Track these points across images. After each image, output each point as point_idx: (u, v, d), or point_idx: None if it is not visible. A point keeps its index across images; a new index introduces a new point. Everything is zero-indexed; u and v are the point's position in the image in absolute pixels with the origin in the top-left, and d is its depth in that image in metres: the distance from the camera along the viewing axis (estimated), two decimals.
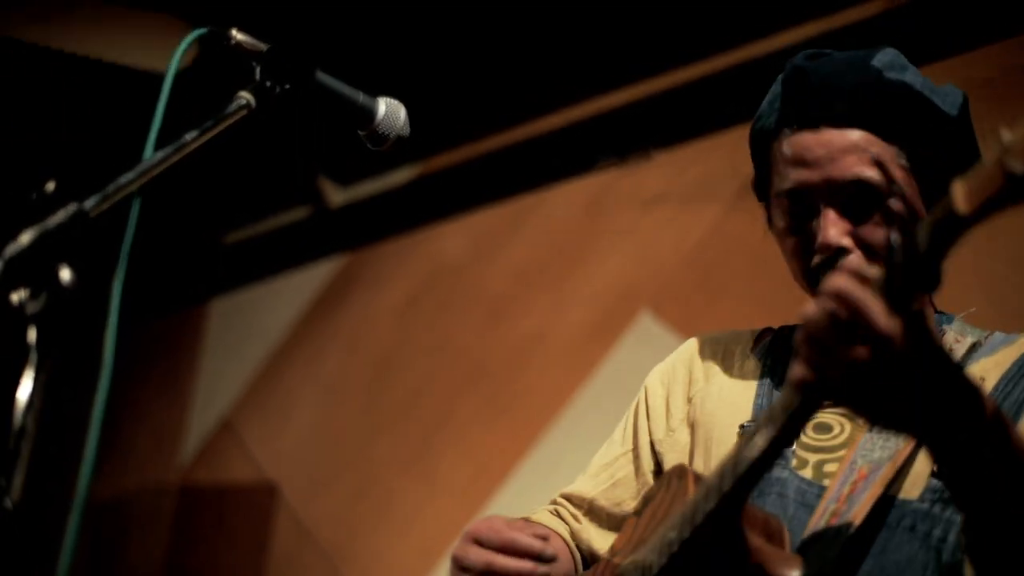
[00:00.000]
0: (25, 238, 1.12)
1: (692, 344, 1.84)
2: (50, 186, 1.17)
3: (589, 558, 1.77)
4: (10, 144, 4.07)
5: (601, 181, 3.57)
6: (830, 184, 1.57)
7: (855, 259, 1.11)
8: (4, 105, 3.99)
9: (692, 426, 1.72)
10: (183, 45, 1.43)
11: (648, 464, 1.77)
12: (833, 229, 1.56)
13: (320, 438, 4.09)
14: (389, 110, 1.56)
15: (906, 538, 1.43)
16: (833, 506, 1.45)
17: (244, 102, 1.41)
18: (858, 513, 1.42)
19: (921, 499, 1.45)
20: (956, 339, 1.60)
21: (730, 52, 3.30)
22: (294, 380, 4.27)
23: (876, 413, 1.21)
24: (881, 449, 1.48)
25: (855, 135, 1.57)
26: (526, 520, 1.70)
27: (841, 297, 1.14)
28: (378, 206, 4.26)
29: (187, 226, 4.65)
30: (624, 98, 3.56)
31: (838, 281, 1.14)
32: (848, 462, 1.50)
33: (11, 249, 1.11)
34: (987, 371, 1.53)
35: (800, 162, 1.59)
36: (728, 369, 1.75)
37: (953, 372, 1.20)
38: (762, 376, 1.69)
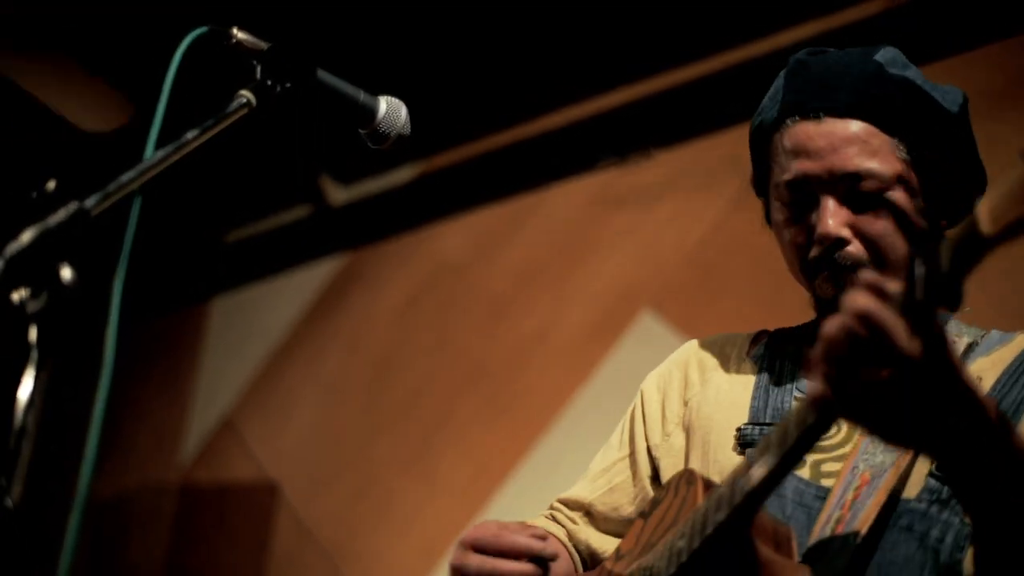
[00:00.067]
0: (26, 237, 1.12)
1: (687, 348, 1.84)
2: (51, 185, 1.17)
3: (588, 559, 1.77)
4: (10, 144, 4.07)
5: (602, 180, 3.57)
6: (831, 174, 1.57)
7: (872, 273, 1.10)
8: (4, 104, 3.99)
9: (688, 430, 1.72)
10: (184, 43, 1.43)
11: (645, 469, 1.76)
12: (832, 219, 1.57)
13: (321, 437, 4.09)
14: (390, 109, 1.56)
15: (903, 538, 1.43)
16: (837, 513, 1.45)
17: (245, 101, 1.41)
18: (864, 521, 1.41)
19: (919, 499, 1.45)
20: (953, 339, 1.60)
21: (730, 52, 3.30)
22: (295, 379, 4.27)
23: (891, 433, 1.20)
24: (883, 453, 1.47)
25: (856, 126, 1.58)
26: (521, 523, 1.69)
27: (862, 316, 1.12)
28: (379, 205, 4.26)
29: (188, 225, 4.64)
30: (624, 97, 3.55)
31: (859, 299, 1.13)
32: (849, 466, 1.49)
33: (12, 248, 1.11)
34: (984, 371, 1.53)
35: (801, 152, 1.59)
36: (724, 372, 1.75)
37: (971, 393, 1.19)
38: (758, 379, 1.69)
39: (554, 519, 1.82)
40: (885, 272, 1.55)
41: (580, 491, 1.82)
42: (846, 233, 1.57)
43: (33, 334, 1.11)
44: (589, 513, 1.80)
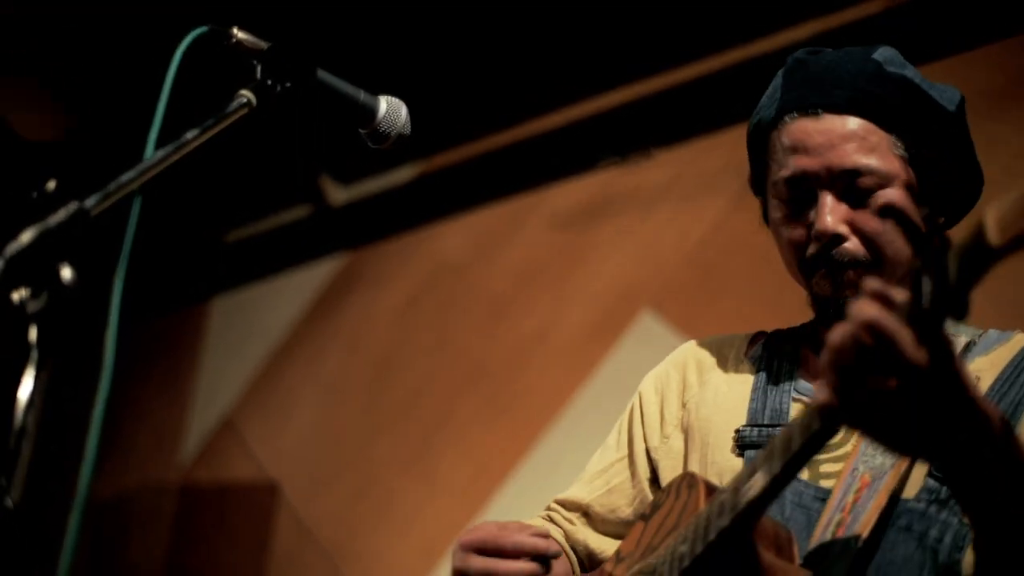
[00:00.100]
0: (26, 237, 1.12)
1: (685, 349, 1.83)
2: (51, 185, 1.17)
3: (585, 560, 1.77)
4: (11, 144, 4.07)
5: (602, 180, 3.57)
6: (829, 171, 1.57)
7: (877, 281, 1.10)
8: (5, 104, 4.00)
9: (686, 432, 1.71)
10: (184, 44, 1.43)
11: (644, 472, 1.76)
12: (831, 215, 1.56)
13: (321, 437, 4.09)
14: (390, 108, 1.56)
15: (901, 538, 1.43)
16: (838, 516, 1.44)
17: (245, 100, 1.41)
18: (864, 525, 1.41)
19: (917, 499, 1.45)
20: (950, 338, 1.60)
21: (730, 51, 3.29)
22: (295, 379, 4.27)
23: (895, 441, 1.20)
24: (883, 454, 1.47)
25: (855, 123, 1.58)
26: (520, 523, 1.69)
27: (869, 326, 1.12)
28: (379, 205, 4.26)
29: (188, 225, 4.64)
30: (624, 97, 3.55)
31: (865, 309, 1.12)
32: (849, 468, 1.49)
33: (12, 248, 1.11)
34: (982, 371, 1.52)
35: (800, 149, 1.59)
36: (722, 373, 1.74)
37: (977, 403, 1.19)
38: (756, 380, 1.69)
39: (551, 520, 1.82)
40: (883, 269, 1.55)
41: (577, 492, 1.81)
42: (844, 230, 1.57)
43: (33, 334, 1.11)
44: (587, 514, 1.79)
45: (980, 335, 1.60)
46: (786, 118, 1.62)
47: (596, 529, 1.78)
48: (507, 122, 3.86)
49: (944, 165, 1.62)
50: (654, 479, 1.74)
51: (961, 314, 1.10)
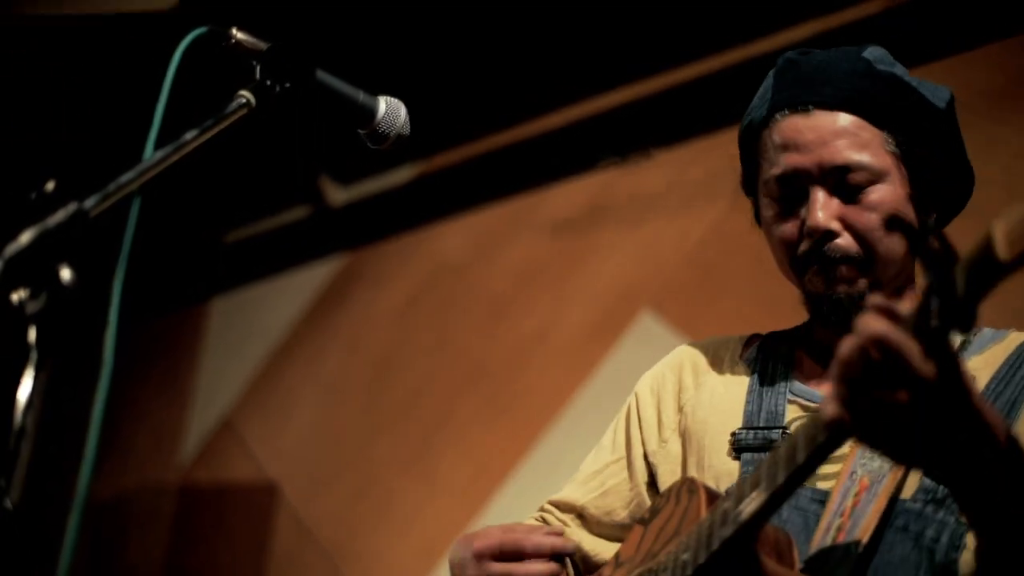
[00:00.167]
0: (25, 238, 1.12)
1: (680, 351, 1.83)
2: (50, 185, 1.16)
3: (579, 562, 1.76)
4: (10, 144, 4.07)
5: (601, 180, 3.57)
6: (820, 167, 1.57)
7: (881, 297, 1.10)
8: (5, 104, 3.99)
9: (684, 435, 1.71)
10: (183, 45, 1.43)
11: (642, 475, 1.75)
12: (822, 211, 1.56)
13: (320, 437, 4.08)
14: (389, 109, 1.56)
15: (899, 538, 1.43)
16: (838, 521, 1.44)
17: (244, 101, 1.41)
18: (864, 530, 1.41)
19: (913, 499, 1.45)
20: None
21: (730, 52, 3.29)
22: (295, 379, 4.27)
23: (902, 453, 1.20)
24: (881, 457, 1.47)
25: (846, 119, 1.58)
26: (525, 525, 1.69)
27: (876, 340, 1.12)
28: (379, 205, 4.26)
29: (188, 225, 4.64)
30: (624, 98, 3.55)
31: (872, 323, 1.12)
32: (847, 471, 1.49)
33: (11, 249, 1.11)
34: (977, 370, 1.52)
35: (791, 146, 1.59)
36: (717, 375, 1.74)
37: (983, 416, 1.19)
38: (751, 382, 1.69)
39: (544, 521, 1.81)
40: (875, 264, 1.56)
41: (571, 493, 1.81)
42: (836, 226, 1.57)
43: (33, 334, 1.11)
44: (581, 516, 1.79)
45: (975, 334, 1.60)
46: (777, 116, 1.62)
47: (591, 531, 1.77)
48: (507, 122, 3.85)
49: (935, 162, 1.62)
50: (652, 483, 1.74)
51: (967, 327, 1.10)
